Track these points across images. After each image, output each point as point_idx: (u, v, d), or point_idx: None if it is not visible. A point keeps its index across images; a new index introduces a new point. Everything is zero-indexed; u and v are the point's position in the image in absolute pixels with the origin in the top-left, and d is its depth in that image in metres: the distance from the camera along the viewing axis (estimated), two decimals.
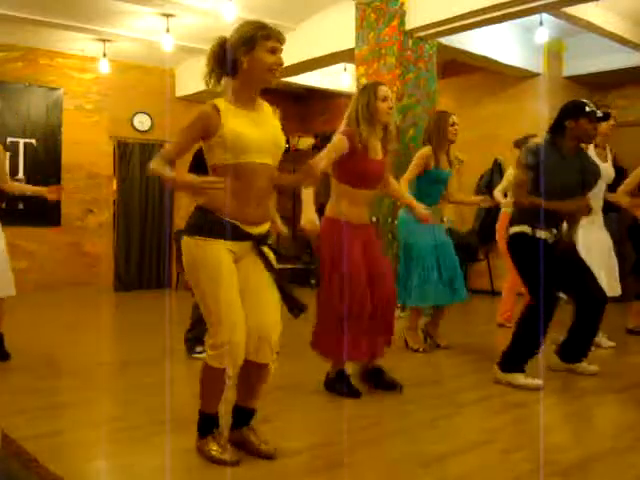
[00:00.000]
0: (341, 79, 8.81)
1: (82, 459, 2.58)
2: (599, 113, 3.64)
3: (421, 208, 4.04)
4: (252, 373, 2.45)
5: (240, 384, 2.52)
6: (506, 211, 5.60)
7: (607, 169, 4.67)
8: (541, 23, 6.77)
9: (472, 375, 3.95)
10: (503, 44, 7.30)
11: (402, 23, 6.07)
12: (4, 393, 3.47)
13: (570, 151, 3.63)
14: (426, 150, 4.48)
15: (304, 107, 10.55)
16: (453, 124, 4.51)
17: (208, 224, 2.35)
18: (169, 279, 9.04)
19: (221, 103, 2.37)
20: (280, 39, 2.42)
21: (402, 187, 4.32)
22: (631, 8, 6.62)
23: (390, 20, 6.13)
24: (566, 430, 2.97)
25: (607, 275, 4.47)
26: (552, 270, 3.47)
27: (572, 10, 6.09)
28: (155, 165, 2.33)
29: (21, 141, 8.16)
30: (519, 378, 3.55)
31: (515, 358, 3.59)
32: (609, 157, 4.84)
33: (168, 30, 7.08)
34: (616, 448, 2.65)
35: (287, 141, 9.55)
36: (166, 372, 3.80)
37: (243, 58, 2.36)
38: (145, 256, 9.03)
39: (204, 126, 2.34)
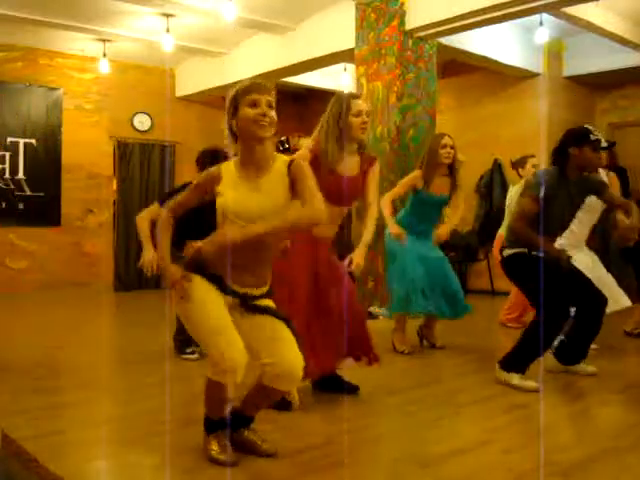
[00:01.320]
0: (341, 79, 8.82)
1: (82, 459, 2.58)
2: (604, 143, 3.58)
3: (395, 228, 4.21)
4: (266, 393, 2.44)
5: (249, 396, 2.49)
6: (502, 233, 5.53)
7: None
8: (541, 23, 6.77)
9: (472, 375, 3.95)
10: (503, 44, 7.30)
11: (402, 23, 6.07)
12: (4, 393, 3.47)
13: (573, 178, 3.61)
14: (415, 173, 4.42)
15: (304, 107, 10.54)
16: (444, 146, 4.36)
17: (199, 265, 2.35)
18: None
19: (228, 166, 2.40)
20: (260, 90, 2.35)
21: (384, 202, 4.28)
22: (631, 8, 6.62)
23: (390, 20, 6.13)
24: (566, 430, 2.97)
25: (610, 291, 4.42)
26: (554, 282, 3.48)
27: (572, 10, 6.10)
28: (163, 229, 2.43)
29: (21, 141, 8.16)
30: (516, 379, 3.56)
31: (517, 360, 3.60)
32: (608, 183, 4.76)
33: (168, 30, 7.09)
34: (616, 448, 2.65)
35: (287, 141, 9.62)
36: (166, 372, 3.80)
37: (232, 122, 2.38)
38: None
39: (205, 187, 2.41)
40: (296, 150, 10.60)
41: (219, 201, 2.36)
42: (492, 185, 8.15)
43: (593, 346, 4.51)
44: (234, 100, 2.37)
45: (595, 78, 7.88)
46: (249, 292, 2.41)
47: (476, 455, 2.57)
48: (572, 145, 3.55)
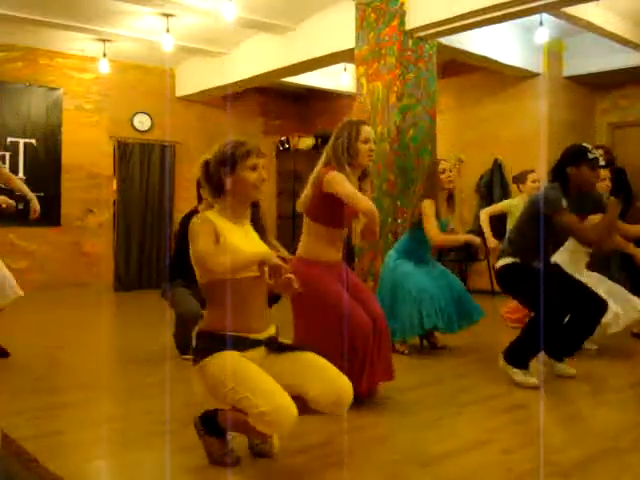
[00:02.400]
0: (341, 79, 8.82)
1: (82, 459, 2.58)
2: (601, 161, 3.62)
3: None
4: (309, 411, 2.40)
5: None
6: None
7: None
8: (541, 23, 6.77)
9: (472, 375, 3.95)
10: (503, 44, 7.30)
11: (402, 23, 6.07)
12: (4, 393, 3.47)
13: (573, 197, 3.63)
14: (429, 203, 4.41)
15: (304, 107, 10.55)
16: (443, 171, 4.46)
17: (214, 344, 2.35)
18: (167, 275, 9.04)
19: (209, 213, 2.40)
20: (259, 154, 2.43)
21: (434, 233, 4.37)
22: (631, 8, 6.62)
23: (390, 20, 6.13)
24: (566, 430, 2.97)
25: (622, 301, 4.39)
26: (550, 291, 3.48)
27: (572, 10, 6.09)
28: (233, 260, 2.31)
29: (21, 141, 8.16)
30: (518, 374, 3.58)
31: (519, 354, 3.61)
32: None
33: (168, 30, 7.09)
34: (616, 448, 2.65)
35: (287, 141, 9.62)
36: (166, 372, 3.80)
37: (225, 179, 2.40)
38: (145, 256, 9.03)
39: (212, 233, 2.34)
40: (296, 150, 10.61)
41: (228, 245, 2.34)
42: (492, 185, 8.15)
43: (594, 346, 4.52)
44: (232, 159, 2.39)
45: (595, 78, 7.88)
46: (269, 334, 2.45)
47: (476, 455, 2.57)
48: (570, 164, 3.58)
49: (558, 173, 3.62)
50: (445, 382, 3.86)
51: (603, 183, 4.58)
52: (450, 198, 4.58)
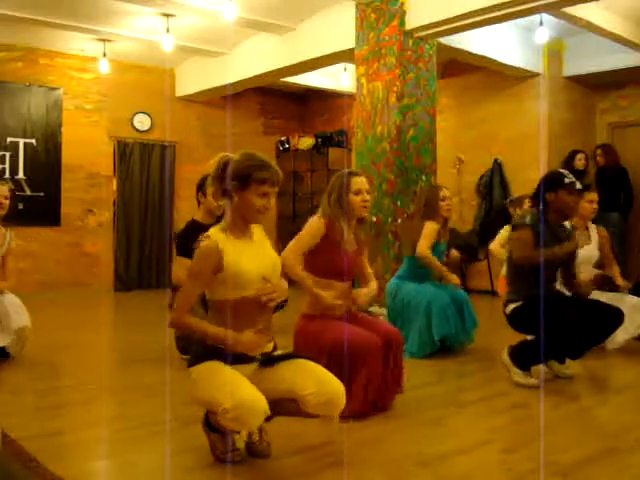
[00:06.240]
0: (341, 79, 8.82)
1: (82, 459, 2.58)
2: (578, 185, 3.60)
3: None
4: (303, 414, 2.40)
5: (279, 402, 2.36)
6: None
7: (590, 251, 4.57)
8: (541, 23, 6.76)
9: (472, 375, 3.95)
10: (503, 44, 7.30)
11: (402, 23, 6.07)
12: (4, 393, 3.47)
13: (556, 222, 3.65)
14: (432, 224, 4.43)
15: (304, 107, 10.55)
16: (444, 198, 4.47)
17: (208, 353, 2.36)
18: (169, 279, 9.03)
19: (219, 236, 2.38)
20: (274, 182, 2.40)
21: (426, 254, 4.38)
22: (631, 8, 6.61)
23: (390, 20, 6.13)
24: (566, 430, 2.97)
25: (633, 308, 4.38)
26: (560, 311, 3.47)
27: (572, 10, 6.09)
28: (195, 323, 2.37)
29: (21, 141, 8.15)
30: (518, 375, 3.58)
31: (522, 357, 3.60)
32: (593, 237, 4.65)
33: (168, 30, 7.08)
34: (616, 448, 2.65)
35: (287, 141, 9.60)
36: (166, 372, 3.80)
37: (234, 193, 2.39)
38: (145, 256, 9.02)
39: (211, 265, 2.33)
40: (296, 150, 10.61)
41: (232, 269, 2.34)
42: (492, 185, 8.15)
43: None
44: (246, 178, 2.36)
45: (595, 78, 7.87)
46: (264, 351, 2.46)
47: (476, 455, 2.57)
48: (547, 191, 3.60)
49: (537, 199, 3.64)
50: (445, 382, 3.86)
51: (590, 206, 4.54)
52: (445, 226, 4.57)
